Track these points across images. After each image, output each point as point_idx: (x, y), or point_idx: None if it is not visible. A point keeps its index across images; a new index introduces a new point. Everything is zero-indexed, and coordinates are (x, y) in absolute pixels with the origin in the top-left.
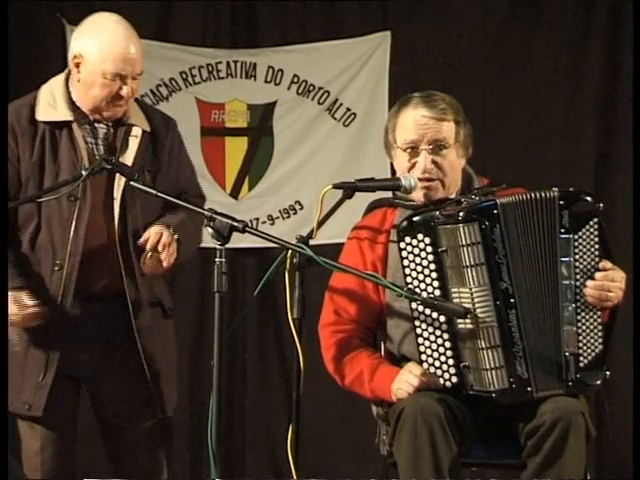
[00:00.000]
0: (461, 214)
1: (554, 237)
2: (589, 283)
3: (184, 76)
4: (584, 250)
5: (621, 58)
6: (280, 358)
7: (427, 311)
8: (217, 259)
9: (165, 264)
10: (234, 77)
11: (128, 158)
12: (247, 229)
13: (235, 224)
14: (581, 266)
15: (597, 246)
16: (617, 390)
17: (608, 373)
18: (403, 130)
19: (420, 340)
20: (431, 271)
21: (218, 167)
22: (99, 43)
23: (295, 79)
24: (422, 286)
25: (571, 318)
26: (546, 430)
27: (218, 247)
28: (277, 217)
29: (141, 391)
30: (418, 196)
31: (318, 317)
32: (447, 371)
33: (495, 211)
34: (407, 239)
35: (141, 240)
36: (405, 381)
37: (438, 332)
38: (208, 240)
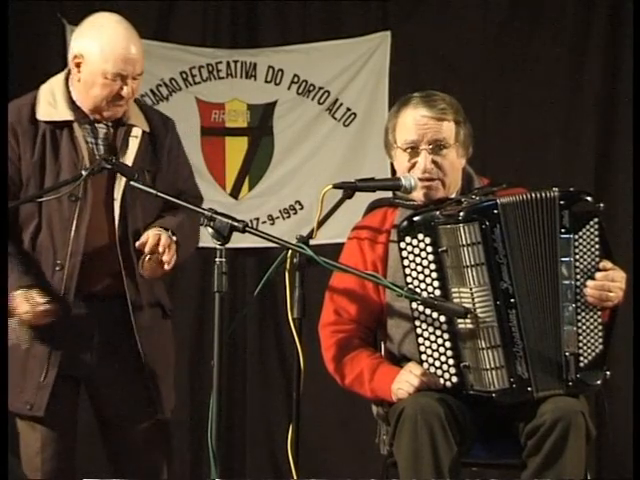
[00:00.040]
0: (461, 214)
1: (554, 237)
2: (589, 283)
3: (184, 76)
4: (584, 250)
5: (621, 58)
6: (280, 358)
7: (427, 311)
8: (217, 259)
9: (166, 266)
10: (234, 77)
11: (128, 158)
12: (247, 229)
13: (235, 224)
14: (581, 266)
15: (597, 246)
16: (617, 390)
17: (608, 373)
18: (403, 130)
19: (420, 340)
20: (431, 271)
21: (218, 167)
22: (100, 43)
23: (295, 79)
24: (422, 286)
25: (571, 318)
26: (546, 430)
27: (218, 247)
28: (277, 217)
29: (140, 391)
30: (418, 196)
31: (318, 317)
32: (447, 371)
33: (495, 211)
34: (407, 239)
35: (138, 243)
36: (405, 381)
37: (438, 332)
38: (208, 240)
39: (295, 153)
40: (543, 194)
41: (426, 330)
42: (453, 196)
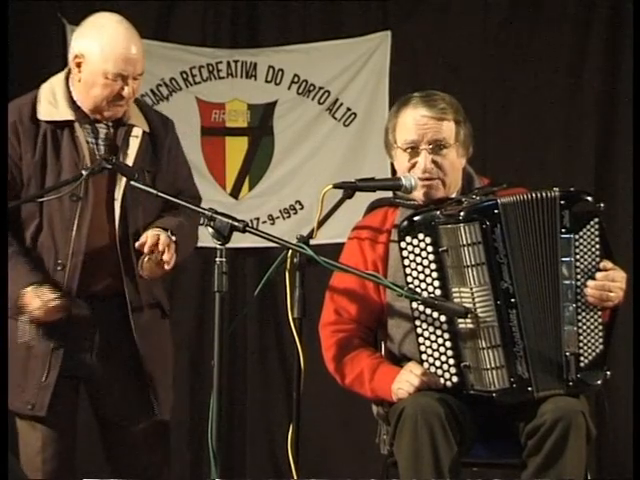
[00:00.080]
0: (462, 214)
1: (555, 237)
2: (590, 283)
3: (184, 76)
4: (585, 250)
5: (621, 58)
6: (280, 358)
7: (428, 311)
8: (217, 259)
9: (167, 266)
10: (234, 77)
11: (129, 158)
12: (247, 229)
13: (235, 224)
14: (582, 266)
15: (598, 246)
16: (617, 390)
17: (609, 373)
18: (403, 130)
19: (421, 340)
20: (432, 271)
21: (218, 167)
22: (101, 43)
23: (295, 79)
24: (423, 286)
25: (572, 318)
26: (546, 430)
27: (218, 247)
28: (277, 217)
29: (138, 392)
30: (419, 195)
31: (318, 317)
32: (448, 371)
33: (496, 211)
34: (408, 239)
35: (138, 243)
36: (406, 381)
37: (439, 332)
38: (208, 240)
39: (295, 153)
40: (544, 194)
41: (426, 330)
42: (453, 196)
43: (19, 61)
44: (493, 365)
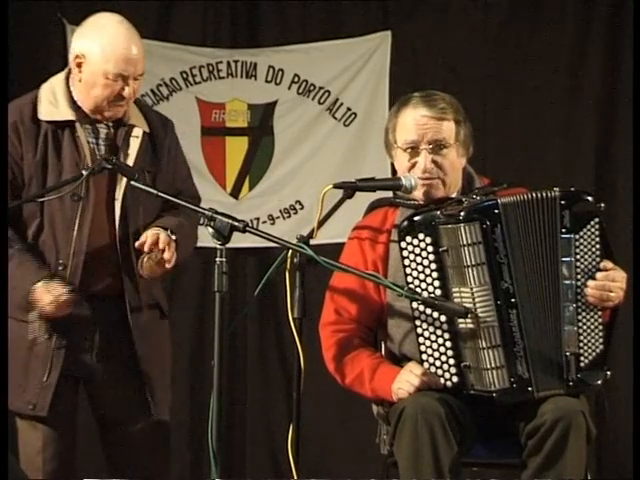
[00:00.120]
0: (462, 214)
1: (555, 237)
2: (590, 283)
3: (184, 76)
4: (585, 250)
5: (621, 58)
6: (280, 358)
7: (428, 311)
8: (218, 259)
9: (168, 265)
10: (234, 77)
11: (130, 158)
12: (248, 229)
13: (236, 224)
14: (582, 266)
15: (598, 246)
16: (617, 390)
17: (609, 373)
18: (403, 130)
19: (421, 340)
20: (432, 271)
21: (218, 167)
22: (101, 43)
23: (295, 79)
24: (423, 286)
25: (572, 318)
26: (547, 430)
27: (219, 247)
28: (278, 217)
29: (136, 392)
30: (419, 195)
31: (319, 317)
32: (448, 371)
33: (496, 211)
34: (408, 239)
35: (137, 243)
36: (406, 381)
37: (439, 332)
38: (208, 240)
39: (295, 153)
40: (544, 194)
41: (427, 330)
42: (454, 196)
43: (19, 61)
44: (493, 365)
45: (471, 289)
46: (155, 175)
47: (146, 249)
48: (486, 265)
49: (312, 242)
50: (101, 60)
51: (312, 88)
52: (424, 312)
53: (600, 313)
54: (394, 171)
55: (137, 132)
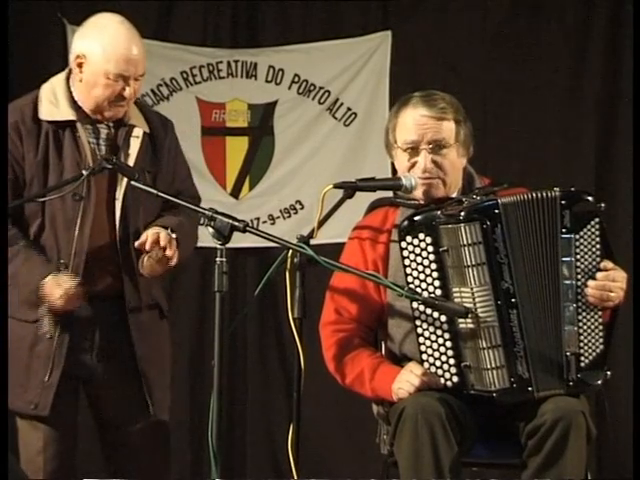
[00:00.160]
0: (462, 214)
1: (555, 237)
2: (590, 283)
3: (185, 76)
4: (585, 250)
5: (621, 58)
6: (281, 358)
7: (428, 311)
8: (218, 259)
9: (171, 262)
10: (235, 77)
11: (130, 158)
12: (248, 229)
13: (236, 224)
14: (582, 266)
15: (598, 246)
16: (617, 390)
17: (609, 373)
18: (403, 130)
19: (421, 340)
20: (432, 271)
21: (219, 167)
22: (102, 44)
23: (296, 79)
24: (423, 286)
25: (572, 318)
26: (547, 430)
27: (219, 247)
28: (278, 217)
29: (137, 392)
30: (419, 194)
31: (319, 317)
32: (448, 371)
33: (496, 211)
34: (408, 239)
35: (138, 243)
36: (406, 381)
37: (439, 332)
38: (209, 240)
39: (296, 153)
40: (544, 194)
41: (427, 330)
42: (454, 196)
43: (19, 61)
44: (493, 365)
45: (471, 289)
46: (155, 175)
47: (147, 247)
48: (486, 265)
49: (312, 242)
50: (102, 60)
51: (312, 88)
52: (424, 312)
53: (600, 313)
54: (394, 171)
55: (137, 132)
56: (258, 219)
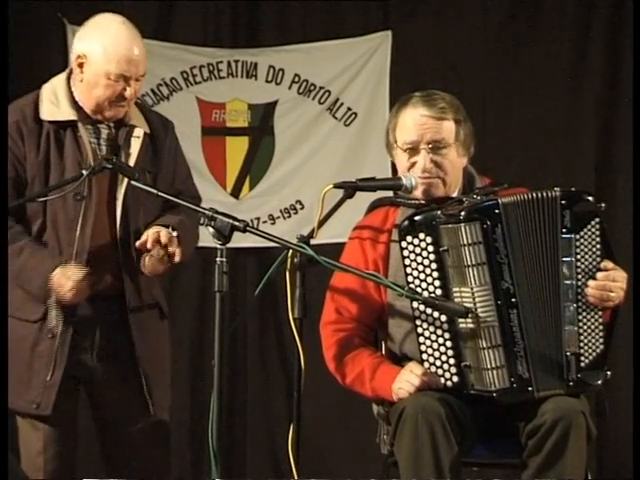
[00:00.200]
0: (463, 213)
1: (556, 237)
2: (590, 283)
3: (185, 75)
4: (586, 250)
5: (621, 58)
6: (281, 358)
7: (428, 310)
8: (218, 259)
9: (176, 258)
10: (235, 77)
11: (131, 158)
12: (248, 229)
13: (236, 224)
14: (582, 266)
15: (599, 246)
16: (617, 390)
17: (609, 373)
18: (403, 130)
19: (421, 339)
20: (432, 270)
21: (219, 167)
22: (103, 44)
23: (296, 79)
24: (423, 285)
25: (572, 318)
26: (547, 430)
27: (219, 247)
28: (278, 217)
29: (137, 392)
30: (419, 193)
31: (319, 317)
32: (448, 370)
33: (497, 211)
34: (408, 238)
35: (139, 242)
36: (406, 380)
37: (439, 331)
38: (209, 239)
39: (296, 153)
40: (544, 194)
41: (427, 330)
42: (454, 195)
43: (19, 61)
44: (493, 365)
45: (471, 289)
46: (156, 176)
47: (149, 246)
48: (486, 265)
49: (312, 242)
50: (103, 60)
51: (312, 88)
52: (424, 312)
53: (600, 313)
54: (395, 170)
55: (138, 132)
56: (258, 219)
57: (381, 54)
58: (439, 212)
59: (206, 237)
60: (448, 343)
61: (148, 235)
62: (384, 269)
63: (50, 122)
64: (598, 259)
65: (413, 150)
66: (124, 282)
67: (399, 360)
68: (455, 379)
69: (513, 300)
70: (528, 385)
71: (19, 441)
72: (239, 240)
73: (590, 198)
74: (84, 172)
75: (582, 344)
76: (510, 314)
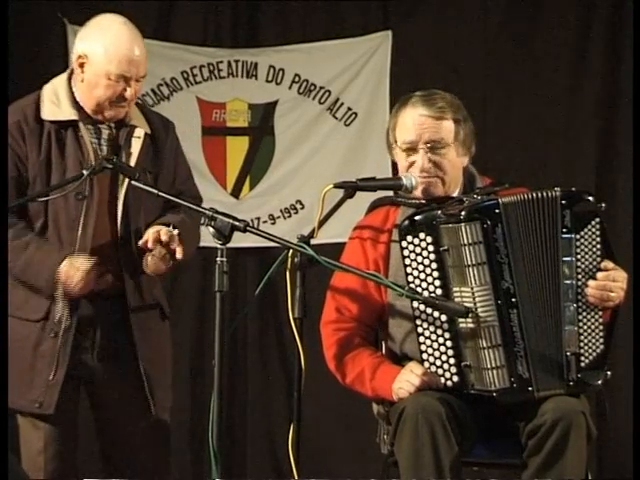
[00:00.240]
0: (463, 213)
1: (556, 237)
2: (591, 283)
3: (185, 75)
4: (586, 250)
5: (621, 58)
6: (281, 358)
7: (428, 310)
8: (218, 258)
9: (179, 255)
10: (235, 76)
11: (132, 158)
12: (248, 228)
13: (236, 223)
14: (583, 266)
15: (599, 246)
16: (617, 390)
17: (609, 373)
18: (402, 130)
19: (421, 339)
20: (433, 270)
21: (219, 167)
22: (104, 44)
23: (296, 79)
24: (424, 285)
25: (572, 318)
26: (547, 430)
27: (219, 246)
28: (278, 216)
29: (137, 391)
30: (418, 193)
31: (319, 317)
32: (448, 370)
33: (497, 210)
34: (409, 238)
35: (140, 242)
36: (406, 380)
37: (439, 331)
38: (209, 239)
39: (296, 153)
40: (545, 194)
41: (427, 329)
42: (455, 195)
43: (19, 61)
44: (494, 365)
45: (472, 289)
46: (156, 176)
47: (150, 246)
48: (487, 265)
49: (313, 242)
50: (104, 61)
51: (313, 88)
52: (425, 312)
53: (601, 313)
54: (395, 170)
55: (139, 133)
56: (258, 219)
57: (381, 54)
58: (439, 212)
59: (206, 237)
60: (448, 343)
61: (149, 235)
62: (384, 269)
63: (51, 122)
64: (598, 259)
65: (412, 149)
66: (125, 282)
67: (399, 360)
68: (455, 379)
69: (513, 300)
70: (528, 385)
71: (20, 440)
72: (239, 240)
73: (590, 198)
74: (85, 172)
75: (582, 344)
76: (510, 314)
